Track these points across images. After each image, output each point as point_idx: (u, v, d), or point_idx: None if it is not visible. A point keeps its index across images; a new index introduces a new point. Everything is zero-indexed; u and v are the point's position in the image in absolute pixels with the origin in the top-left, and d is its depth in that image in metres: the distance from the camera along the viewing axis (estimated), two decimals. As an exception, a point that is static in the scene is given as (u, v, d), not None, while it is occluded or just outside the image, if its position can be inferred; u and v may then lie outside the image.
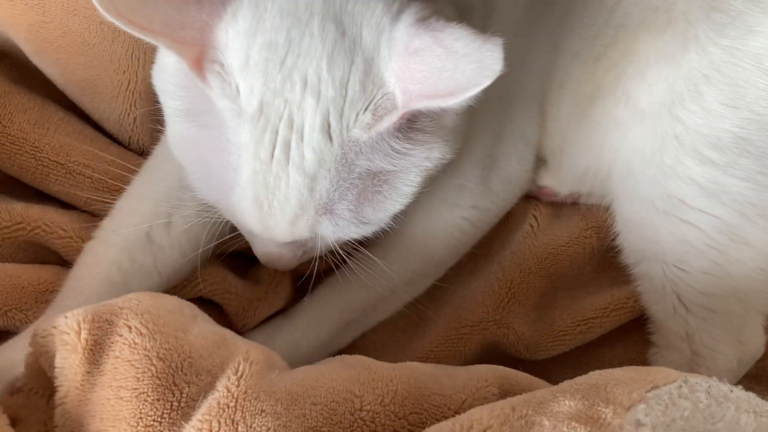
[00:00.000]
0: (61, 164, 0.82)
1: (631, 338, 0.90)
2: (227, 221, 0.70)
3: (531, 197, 0.93)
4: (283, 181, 0.60)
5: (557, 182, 0.91)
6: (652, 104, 0.79)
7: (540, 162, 0.91)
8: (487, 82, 0.54)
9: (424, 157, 0.63)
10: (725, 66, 0.75)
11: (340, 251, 0.67)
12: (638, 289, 0.85)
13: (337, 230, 0.63)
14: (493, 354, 0.86)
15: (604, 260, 0.90)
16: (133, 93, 0.84)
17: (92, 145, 0.84)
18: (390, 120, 0.58)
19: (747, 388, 0.56)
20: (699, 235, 0.78)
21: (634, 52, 0.80)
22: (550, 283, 0.88)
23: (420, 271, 0.82)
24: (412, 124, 0.61)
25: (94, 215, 0.82)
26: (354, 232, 0.65)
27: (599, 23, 0.82)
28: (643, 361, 0.86)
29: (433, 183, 0.68)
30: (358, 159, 0.60)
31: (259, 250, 0.70)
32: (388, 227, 0.68)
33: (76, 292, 0.72)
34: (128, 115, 0.85)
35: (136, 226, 0.74)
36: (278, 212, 0.61)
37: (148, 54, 0.81)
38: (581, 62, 0.83)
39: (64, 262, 0.80)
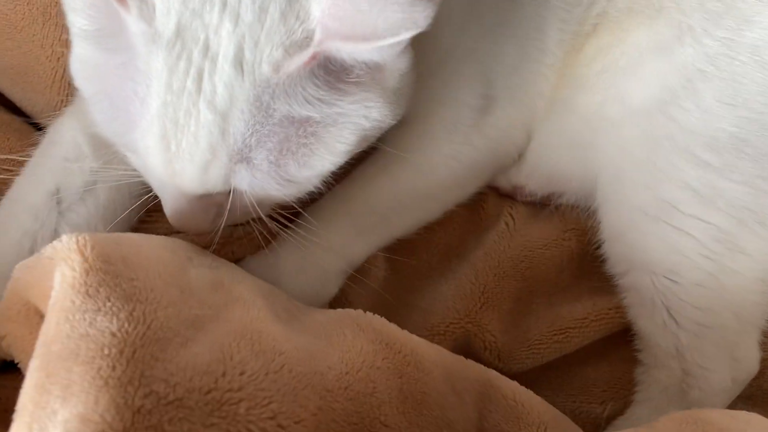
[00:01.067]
0: None
1: (615, 356, 0.84)
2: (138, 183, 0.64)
3: (506, 196, 0.87)
4: (194, 118, 0.54)
5: (534, 182, 0.85)
6: (643, 101, 0.73)
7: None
8: (406, 35, 0.52)
9: (362, 115, 0.57)
10: (721, 59, 0.70)
11: (264, 217, 0.62)
12: (625, 302, 0.79)
13: (254, 184, 0.57)
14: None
15: (585, 266, 0.84)
16: (69, 83, 0.76)
17: (21, 140, 0.76)
18: (300, 59, 0.53)
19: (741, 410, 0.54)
20: (692, 244, 0.72)
21: (623, 43, 0.75)
22: (525, 288, 0.83)
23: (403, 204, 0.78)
24: (343, 75, 0.55)
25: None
26: (275, 189, 0.58)
27: (580, 7, 0.77)
28: (630, 381, 0.81)
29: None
30: (275, 102, 0.54)
31: (168, 206, 0.62)
32: (317, 190, 0.62)
33: None
34: (63, 106, 0.77)
35: (17, 242, 0.67)
36: (187, 154, 0.55)
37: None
38: (561, 50, 0.78)
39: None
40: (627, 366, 0.82)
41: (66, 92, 0.76)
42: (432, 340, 0.76)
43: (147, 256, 0.55)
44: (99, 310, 0.48)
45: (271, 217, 0.65)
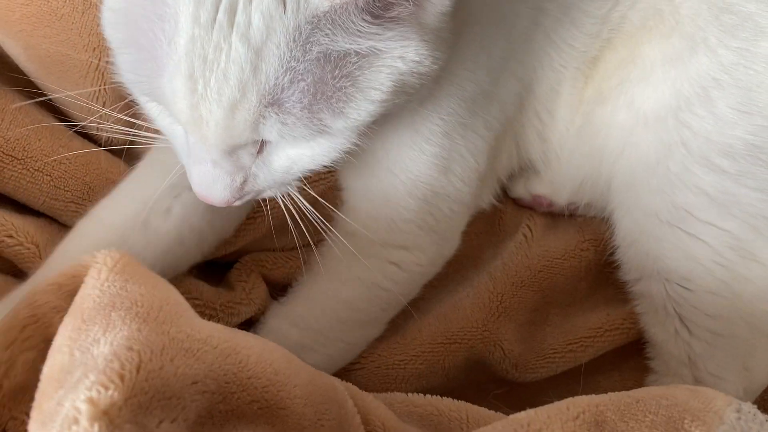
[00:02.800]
0: (18, 159, 0.75)
1: (626, 365, 0.84)
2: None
3: (525, 207, 0.88)
4: (224, 53, 0.51)
5: (553, 191, 0.86)
6: (657, 109, 0.74)
7: (532, 170, 0.86)
8: None
9: (398, 55, 0.54)
10: (736, 69, 0.71)
11: (291, 191, 0.60)
12: (637, 309, 0.79)
13: (285, 132, 0.54)
14: (478, 371, 0.80)
15: (601, 276, 0.85)
16: (103, 74, 0.77)
17: (53, 138, 0.77)
18: None
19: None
20: (706, 251, 0.72)
21: (638, 55, 0.76)
22: (542, 298, 0.83)
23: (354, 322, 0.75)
24: (385, 10, 0.53)
25: (52, 219, 0.76)
26: (306, 146, 0.56)
27: (595, 24, 0.77)
28: (642, 389, 0.80)
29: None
30: (315, 35, 0.51)
31: (193, 172, 0.59)
32: (352, 152, 0.59)
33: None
34: (97, 98, 0.78)
35: (136, 210, 0.69)
36: (215, 94, 0.51)
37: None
38: (576, 66, 0.79)
39: (17, 271, 0.72)
40: (638, 375, 0.82)
41: (101, 83, 0.77)
42: (449, 348, 0.78)
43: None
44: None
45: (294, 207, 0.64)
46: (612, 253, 0.80)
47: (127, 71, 0.56)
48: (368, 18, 0.52)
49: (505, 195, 0.88)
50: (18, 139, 0.75)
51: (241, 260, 0.79)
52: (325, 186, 0.75)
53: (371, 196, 0.72)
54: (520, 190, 0.87)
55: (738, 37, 0.71)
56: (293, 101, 0.52)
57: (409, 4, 0.53)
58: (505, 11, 0.72)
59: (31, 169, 0.75)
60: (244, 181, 0.58)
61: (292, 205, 0.62)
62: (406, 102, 0.59)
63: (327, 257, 0.73)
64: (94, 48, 0.76)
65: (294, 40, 0.51)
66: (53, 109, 0.81)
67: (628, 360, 0.83)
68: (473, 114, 0.71)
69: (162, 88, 0.53)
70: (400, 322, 0.78)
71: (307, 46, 0.51)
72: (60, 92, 0.78)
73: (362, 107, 0.55)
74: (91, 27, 0.75)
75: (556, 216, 0.88)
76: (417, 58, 0.55)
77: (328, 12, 0.51)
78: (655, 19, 0.75)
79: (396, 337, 0.79)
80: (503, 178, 0.85)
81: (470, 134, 0.72)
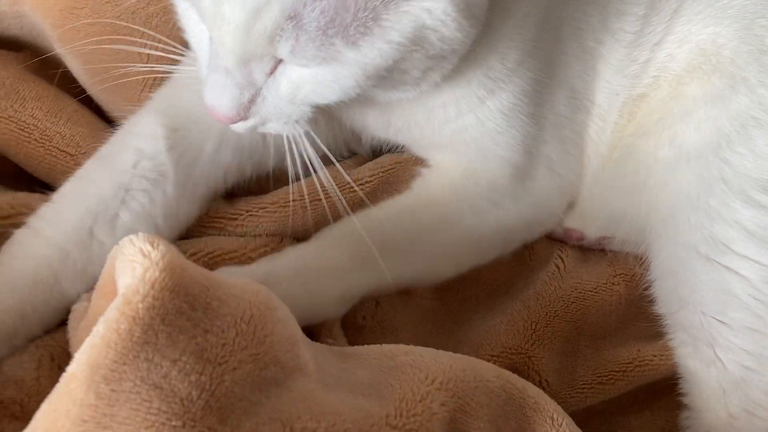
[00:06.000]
0: (71, 155, 0.77)
1: (658, 404, 0.84)
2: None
3: (556, 240, 0.89)
4: None
5: (585, 224, 0.87)
6: (698, 146, 0.76)
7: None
8: None
9: (426, 7, 0.55)
10: None
11: (301, 138, 0.61)
12: (672, 343, 0.79)
13: (296, 50, 0.55)
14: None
15: (631, 311, 0.85)
16: (151, 87, 0.79)
17: (103, 141, 0.78)
18: None
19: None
20: (743, 285, 0.73)
21: (680, 94, 0.79)
22: (573, 329, 0.83)
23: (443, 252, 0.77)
24: None
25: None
26: (312, 71, 0.57)
27: (640, 62, 0.81)
28: (672, 430, 0.80)
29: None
30: None
31: (206, 80, 0.60)
32: (359, 98, 0.61)
33: None
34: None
35: (79, 219, 0.66)
36: None
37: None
38: (621, 100, 0.82)
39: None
40: (670, 414, 0.81)
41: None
42: None
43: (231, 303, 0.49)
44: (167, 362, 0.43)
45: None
46: (646, 288, 0.81)
47: None
48: None
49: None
50: (73, 136, 0.77)
51: None
52: (373, 186, 0.77)
53: (452, 158, 0.77)
54: None
55: None
56: (311, 18, 0.53)
57: None
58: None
59: (81, 165, 0.75)
60: (252, 100, 0.59)
61: (297, 150, 0.63)
62: (425, 70, 0.60)
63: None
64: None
65: None
66: (106, 119, 0.84)
67: (660, 398, 0.83)
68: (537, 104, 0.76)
69: None
70: (432, 344, 0.78)
71: None
72: (116, 110, 0.81)
73: (376, 44, 0.56)
74: (148, 47, 0.77)
75: (587, 249, 0.89)
76: (443, 17, 0.57)
77: None
78: (699, 59, 0.78)
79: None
80: None
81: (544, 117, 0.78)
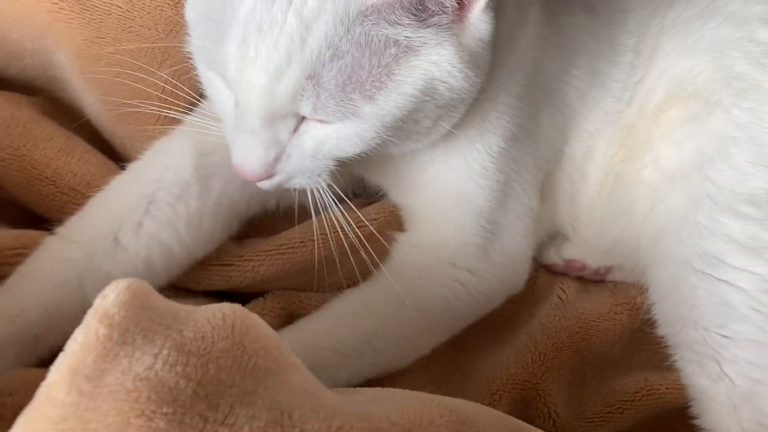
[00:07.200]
0: (82, 193, 0.79)
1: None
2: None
3: (558, 273, 0.90)
4: (278, 26, 0.57)
5: (584, 254, 0.89)
6: (681, 165, 0.79)
7: (561, 237, 0.89)
8: None
9: (434, 60, 0.61)
10: (751, 127, 0.77)
11: (319, 180, 0.63)
12: (678, 364, 0.78)
13: (318, 106, 0.59)
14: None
15: (635, 340, 0.86)
16: (170, 121, 0.82)
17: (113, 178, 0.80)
18: None
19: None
20: (741, 296, 0.74)
21: (661, 119, 0.82)
22: (579, 360, 0.83)
23: (418, 326, 0.76)
24: (426, 14, 0.59)
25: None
26: (334, 127, 0.60)
27: (624, 100, 0.85)
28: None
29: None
30: (361, 20, 0.57)
31: (233, 141, 0.64)
32: (376, 150, 0.63)
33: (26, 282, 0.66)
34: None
35: (105, 225, 0.70)
36: (263, 59, 0.57)
37: (193, 81, 0.79)
38: (608, 132, 0.85)
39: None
40: (684, 445, 0.79)
41: (166, 132, 0.81)
42: (492, 407, 0.75)
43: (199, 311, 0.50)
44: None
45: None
46: (647, 313, 0.82)
47: (196, 39, 0.63)
48: (411, 17, 0.59)
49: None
50: (84, 174, 0.80)
51: (266, 295, 0.79)
52: (381, 222, 0.78)
53: (431, 215, 0.75)
54: (552, 257, 0.90)
55: (748, 99, 0.78)
56: (329, 77, 0.58)
57: (447, 15, 0.60)
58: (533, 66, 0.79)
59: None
60: (277, 158, 0.63)
61: (320, 200, 0.66)
62: (436, 119, 0.64)
63: (392, 268, 0.74)
64: (166, 99, 0.81)
65: (341, 22, 0.57)
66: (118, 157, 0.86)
67: (673, 430, 0.81)
68: (522, 152, 0.77)
69: (219, 53, 0.59)
70: (441, 379, 0.78)
71: (352, 27, 0.57)
72: (128, 141, 0.84)
73: (392, 98, 0.60)
74: (165, 78, 0.82)
75: (587, 281, 0.91)
76: (450, 69, 0.62)
77: (376, 2, 0.57)
78: (676, 88, 0.82)
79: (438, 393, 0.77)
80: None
81: (522, 170, 0.77)
